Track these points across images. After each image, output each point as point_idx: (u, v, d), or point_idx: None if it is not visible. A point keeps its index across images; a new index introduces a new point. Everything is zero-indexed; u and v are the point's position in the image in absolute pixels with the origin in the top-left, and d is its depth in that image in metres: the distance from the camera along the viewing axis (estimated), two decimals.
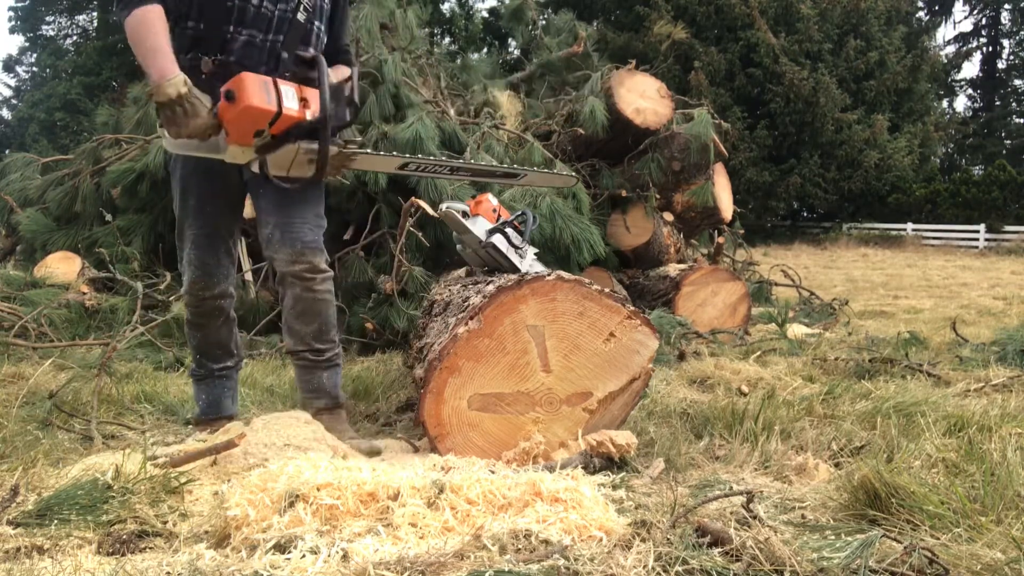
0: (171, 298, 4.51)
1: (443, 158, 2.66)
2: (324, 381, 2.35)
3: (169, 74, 2.00)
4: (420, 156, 2.56)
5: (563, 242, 4.69)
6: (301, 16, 2.28)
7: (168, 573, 1.32)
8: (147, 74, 2.03)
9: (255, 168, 2.14)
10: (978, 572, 1.26)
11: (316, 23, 2.33)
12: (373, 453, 2.16)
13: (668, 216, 6.05)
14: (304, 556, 1.33)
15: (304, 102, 2.05)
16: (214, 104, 2.03)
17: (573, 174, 3.02)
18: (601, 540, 1.41)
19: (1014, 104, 31.63)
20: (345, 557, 1.33)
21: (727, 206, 6.55)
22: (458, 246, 2.73)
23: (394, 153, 2.52)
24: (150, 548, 1.52)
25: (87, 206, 5.45)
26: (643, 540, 1.36)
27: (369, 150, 2.46)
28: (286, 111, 2.00)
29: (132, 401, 2.82)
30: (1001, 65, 32.14)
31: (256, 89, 1.96)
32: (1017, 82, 31.82)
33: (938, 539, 1.41)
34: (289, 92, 2.02)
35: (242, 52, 2.21)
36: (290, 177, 2.15)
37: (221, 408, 2.43)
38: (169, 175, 2.36)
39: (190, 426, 2.48)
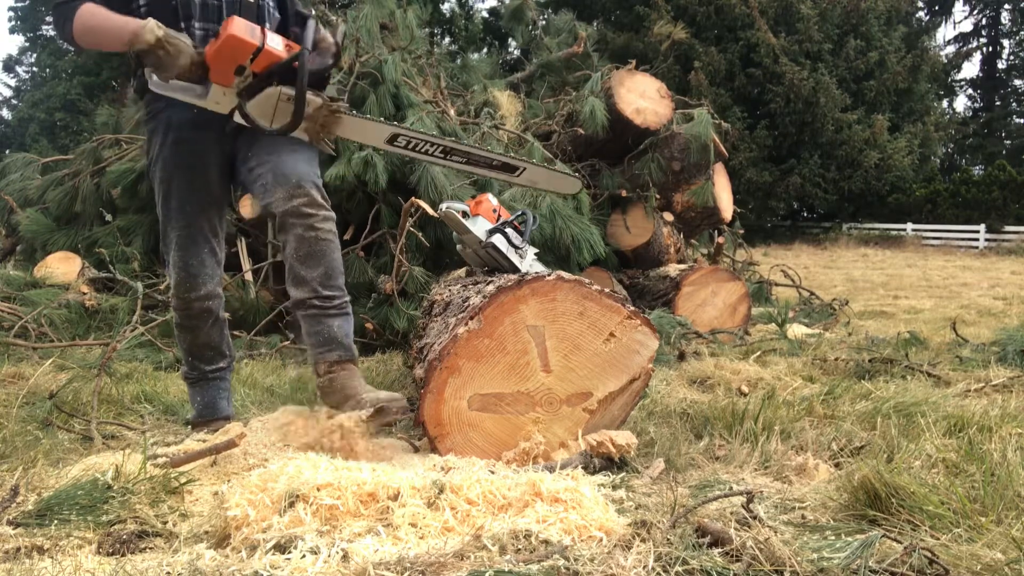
0: (171, 297, 4.51)
1: (437, 135, 2.41)
2: (335, 330, 2.18)
3: (137, 25, 1.99)
4: (411, 128, 2.37)
5: (563, 242, 4.69)
6: None
7: (168, 573, 1.32)
8: (125, 43, 2.00)
9: (238, 118, 2.09)
10: (978, 572, 1.26)
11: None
12: (393, 402, 2.09)
13: (668, 216, 6.05)
14: (304, 556, 1.33)
15: (289, 47, 2.06)
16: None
17: (576, 176, 2.71)
18: (601, 540, 1.41)
19: (1014, 104, 31.63)
20: (345, 557, 1.33)
21: (727, 206, 6.55)
22: (458, 246, 2.73)
23: (381, 120, 2.32)
24: (150, 548, 1.52)
25: (87, 206, 5.45)
26: (643, 540, 1.36)
27: (355, 112, 2.33)
28: (268, 47, 2.00)
29: (132, 401, 2.82)
30: (1001, 65, 32.16)
31: (241, 25, 2.00)
32: (1017, 82, 31.83)
33: (938, 539, 1.41)
34: (275, 37, 2.05)
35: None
36: (274, 128, 2.11)
37: (217, 409, 2.39)
38: (150, 179, 2.32)
39: (189, 427, 2.47)
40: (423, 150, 2.38)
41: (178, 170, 2.22)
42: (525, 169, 2.52)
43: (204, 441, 2.12)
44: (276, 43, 2.03)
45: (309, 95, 2.08)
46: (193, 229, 2.25)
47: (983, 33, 32.14)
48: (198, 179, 2.24)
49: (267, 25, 2.26)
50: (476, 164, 2.52)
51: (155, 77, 2.05)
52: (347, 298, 2.24)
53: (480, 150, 2.49)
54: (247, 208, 4.92)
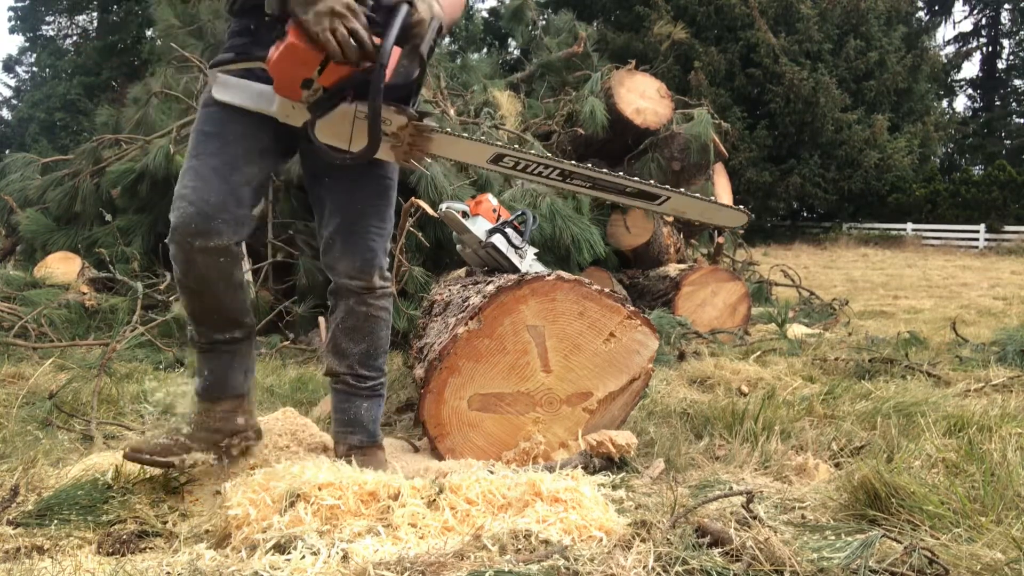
0: (171, 298, 4.51)
1: (550, 156, 2.02)
2: (363, 413, 1.98)
3: None
4: (519, 150, 1.95)
5: (563, 242, 4.69)
6: None
7: (168, 573, 1.32)
8: None
9: (312, 136, 1.75)
10: (978, 572, 1.26)
11: None
12: None
13: (668, 216, 6.05)
14: (304, 556, 1.33)
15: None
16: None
17: (742, 209, 2.17)
18: (601, 540, 1.41)
19: (1014, 104, 31.63)
20: (345, 557, 1.33)
21: None
22: (458, 246, 2.73)
23: (483, 138, 1.84)
24: (150, 548, 1.52)
25: (87, 206, 5.45)
26: (643, 540, 1.36)
27: (449, 130, 1.95)
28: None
29: (132, 401, 2.82)
30: (1001, 65, 32.15)
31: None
32: (1017, 82, 31.83)
33: (938, 539, 1.41)
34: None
35: None
36: (352, 153, 1.73)
37: (227, 386, 1.88)
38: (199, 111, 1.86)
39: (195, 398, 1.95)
40: (535, 171, 1.99)
41: (234, 119, 1.80)
42: (669, 198, 2.08)
43: None
44: None
45: (390, 113, 1.74)
46: (225, 158, 1.77)
47: (983, 33, 32.14)
48: (256, 131, 1.81)
49: None
50: (604, 189, 2.07)
51: (219, 82, 1.76)
52: (383, 379, 2.05)
53: (609, 175, 2.04)
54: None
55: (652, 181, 2.12)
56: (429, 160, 1.90)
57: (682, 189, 2.11)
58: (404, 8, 1.67)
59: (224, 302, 1.83)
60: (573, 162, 2.01)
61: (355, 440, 1.97)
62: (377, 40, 1.65)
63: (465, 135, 1.93)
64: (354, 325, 1.96)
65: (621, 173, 2.06)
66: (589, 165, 2.03)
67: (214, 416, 1.85)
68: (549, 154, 5.26)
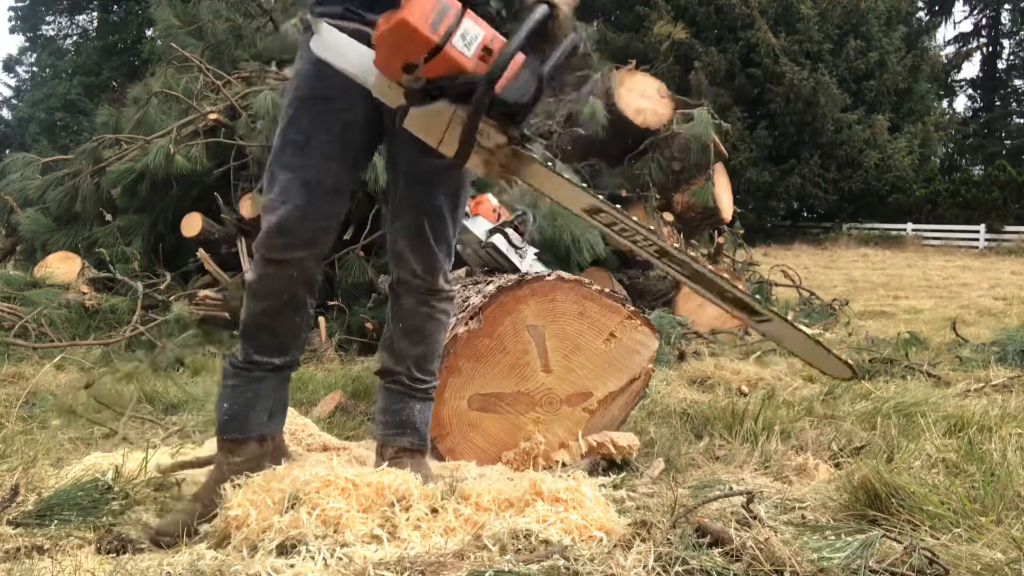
0: (171, 298, 4.51)
1: (649, 229, 1.68)
2: (415, 415, 1.88)
3: None
4: (619, 210, 1.67)
5: (563, 242, 4.69)
6: None
7: (168, 573, 1.32)
8: None
9: (398, 122, 1.60)
10: (978, 572, 1.26)
11: None
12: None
13: (668, 216, 6.05)
14: (305, 556, 1.33)
15: (486, 53, 1.49)
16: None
17: (847, 363, 1.75)
18: (601, 540, 1.41)
19: (1014, 104, 31.63)
20: (346, 557, 1.33)
21: (727, 206, 6.55)
22: (458, 246, 2.73)
23: (584, 186, 1.67)
24: (150, 548, 1.52)
25: (87, 206, 5.44)
26: (643, 540, 1.36)
27: (550, 164, 1.80)
28: (448, 49, 1.44)
29: (132, 401, 2.82)
30: (1001, 65, 32.14)
31: (425, 6, 1.44)
32: (1017, 82, 31.83)
33: (938, 539, 1.41)
34: (472, 32, 1.47)
35: None
36: (434, 151, 1.57)
37: (247, 426, 1.73)
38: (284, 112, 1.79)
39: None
40: (630, 237, 1.71)
41: (323, 120, 1.73)
42: (771, 320, 1.75)
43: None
44: (467, 44, 1.47)
45: (489, 127, 1.53)
46: (320, 169, 1.73)
47: (983, 33, 32.13)
48: (343, 132, 1.76)
49: None
50: (698, 282, 1.74)
51: (322, 34, 1.57)
52: (436, 383, 1.97)
53: (710, 272, 1.75)
54: (247, 208, 4.91)
55: (758, 297, 1.80)
56: (519, 182, 1.71)
57: (789, 318, 1.76)
58: (541, 10, 1.47)
59: (281, 315, 1.76)
60: (676, 246, 1.74)
61: (406, 442, 1.87)
62: (499, 44, 1.47)
63: (565, 176, 1.70)
64: (414, 326, 1.88)
65: (725, 276, 1.72)
66: (692, 255, 1.70)
67: (233, 467, 1.68)
68: (548, 153, 5.25)
